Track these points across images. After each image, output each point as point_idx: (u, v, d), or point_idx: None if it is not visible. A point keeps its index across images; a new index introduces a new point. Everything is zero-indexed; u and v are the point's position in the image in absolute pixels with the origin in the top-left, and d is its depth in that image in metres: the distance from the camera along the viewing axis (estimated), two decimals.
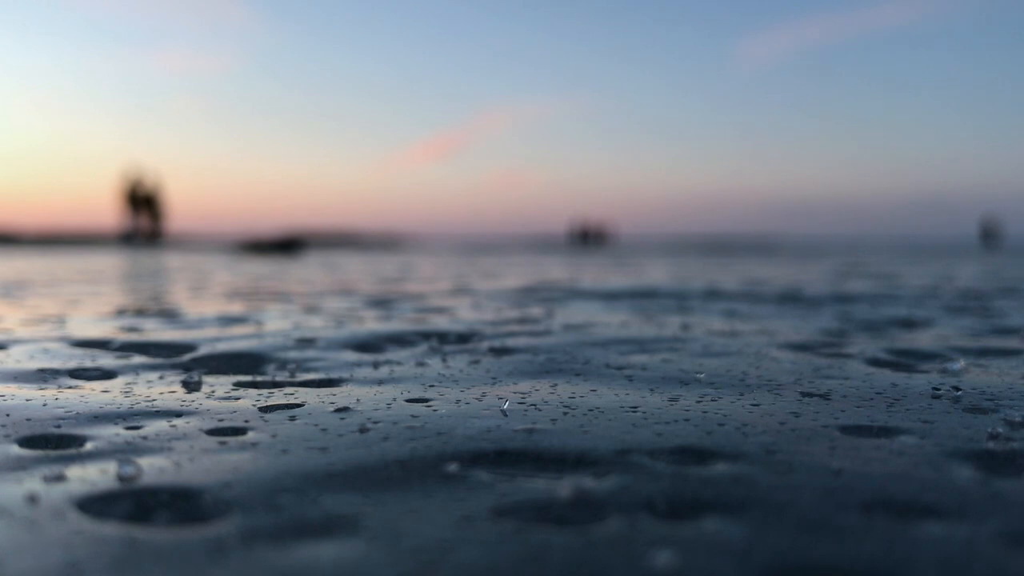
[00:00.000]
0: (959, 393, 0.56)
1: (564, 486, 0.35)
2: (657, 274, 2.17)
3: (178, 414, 0.50)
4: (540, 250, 6.94)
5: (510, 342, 0.81)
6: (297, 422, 0.48)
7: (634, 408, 0.52)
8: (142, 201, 10.36)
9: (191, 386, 0.59)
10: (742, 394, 0.56)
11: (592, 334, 0.87)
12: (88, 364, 0.69)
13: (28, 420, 0.48)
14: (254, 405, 0.53)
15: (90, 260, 3.65)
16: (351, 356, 0.74)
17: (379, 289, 1.61)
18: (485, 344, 0.80)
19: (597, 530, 0.30)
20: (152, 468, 0.38)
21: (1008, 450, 0.41)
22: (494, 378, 0.63)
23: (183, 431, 0.46)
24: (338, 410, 0.51)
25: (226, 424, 0.47)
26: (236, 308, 1.19)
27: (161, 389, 0.58)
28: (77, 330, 0.92)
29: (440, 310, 1.16)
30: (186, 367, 0.68)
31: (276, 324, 0.98)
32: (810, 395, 0.56)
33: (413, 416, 0.49)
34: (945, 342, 0.81)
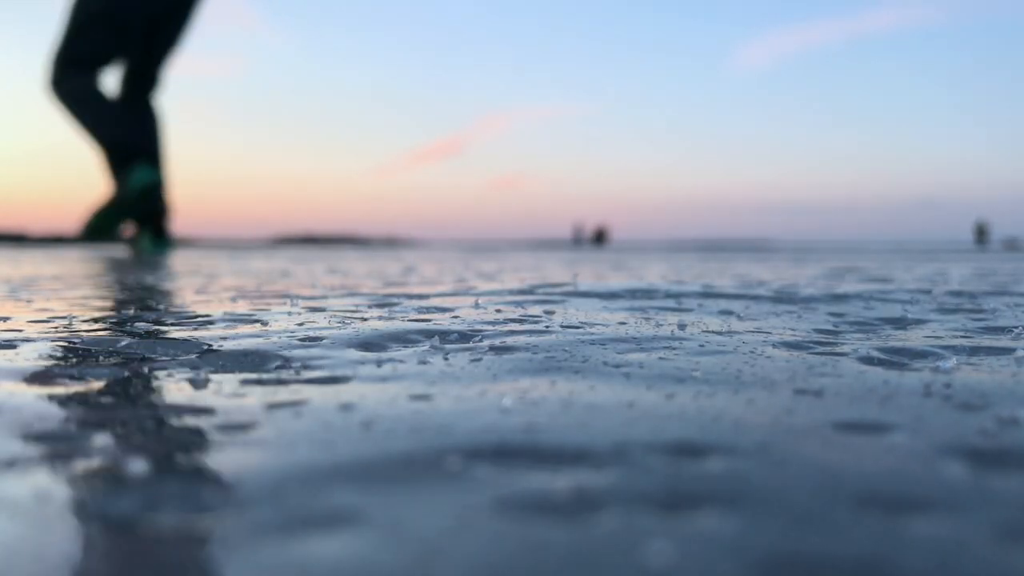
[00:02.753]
0: (950, 390, 0.57)
1: (562, 480, 0.36)
2: (655, 275, 2.17)
3: (185, 411, 0.51)
4: (540, 252, 6.92)
5: (510, 341, 0.82)
6: (302, 419, 0.49)
7: (631, 404, 0.52)
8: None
9: (198, 384, 0.60)
10: (737, 391, 0.57)
11: (591, 333, 0.88)
12: (96, 362, 0.70)
13: (37, 417, 0.49)
14: (260, 402, 0.54)
15: (97, 261, 3.64)
16: (355, 354, 0.74)
17: (382, 290, 1.62)
18: (486, 343, 0.81)
19: (594, 523, 0.30)
20: (159, 464, 0.39)
21: (997, 447, 0.42)
22: (495, 375, 0.63)
23: (191, 428, 0.46)
24: (342, 407, 0.52)
25: (233, 421, 0.48)
26: (242, 307, 1.20)
27: (169, 387, 0.59)
28: (85, 329, 0.93)
29: (441, 310, 1.17)
30: (193, 365, 0.69)
31: (281, 323, 0.99)
32: (803, 392, 0.57)
33: (415, 412, 0.50)
34: (937, 341, 0.82)
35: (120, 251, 4.70)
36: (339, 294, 1.48)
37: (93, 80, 3.54)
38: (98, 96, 3.53)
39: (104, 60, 3.54)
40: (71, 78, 3.47)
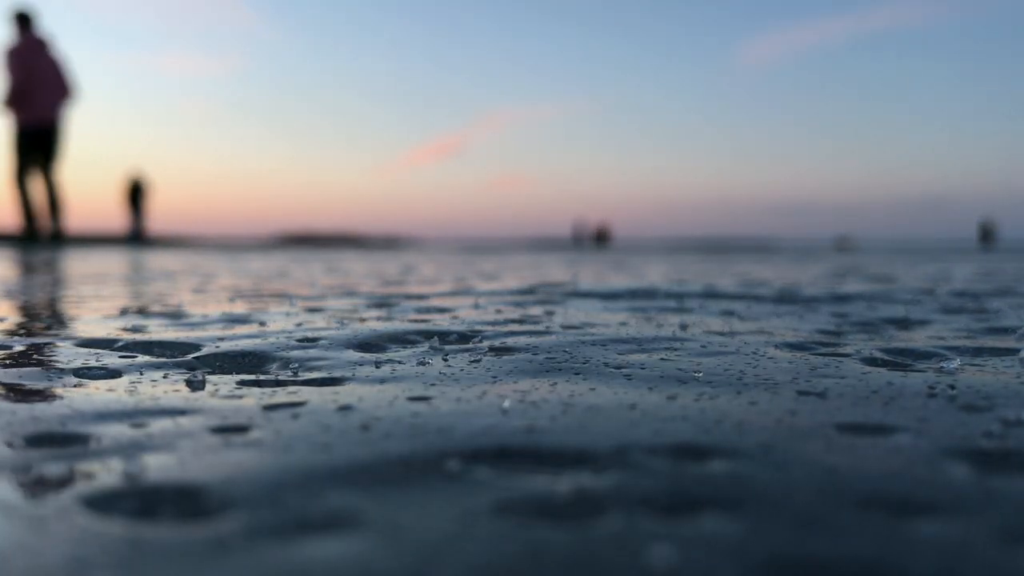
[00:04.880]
0: (954, 392, 0.57)
1: (563, 483, 0.36)
2: (656, 275, 2.17)
3: (182, 412, 0.51)
4: (540, 251, 6.94)
5: (510, 341, 0.82)
6: (300, 420, 0.48)
7: (632, 406, 0.52)
8: (133, 197, 10.43)
9: (195, 385, 0.60)
10: (739, 392, 0.57)
11: (591, 334, 0.88)
12: (93, 363, 0.69)
13: (34, 418, 0.48)
14: (257, 403, 0.53)
15: (94, 261, 3.65)
16: (353, 355, 0.74)
17: (381, 290, 1.62)
18: (485, 344, 0.81)
19: (596, 526, 0.30)
20: (157, 466, 0.38)
21: (1002, 448, 0.42)
22: (494, 377, 0.63)
23: (187, 429, 0.46)
24: (340, 408, 0.52)
25: (230, 422, 0.48)
26: (239, 308, 1.20)
27: (165, 388, 0.59)
28: (81, 330, 0.93)
29: (441, 310, 1.16)
30: (190, 366, 0.68)
31: (279, 324, 0.99)
32: (806, 393, 0.57)
33: (414, 414, 0.50)
34: (941, 342, 0.82)
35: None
36: (337, 294, 1.48)
37: (26, 177, 7.43)
38: (26, 194, 7.48)
39: (26, 163, 7.48)
40: (18, 178, 7.42)
